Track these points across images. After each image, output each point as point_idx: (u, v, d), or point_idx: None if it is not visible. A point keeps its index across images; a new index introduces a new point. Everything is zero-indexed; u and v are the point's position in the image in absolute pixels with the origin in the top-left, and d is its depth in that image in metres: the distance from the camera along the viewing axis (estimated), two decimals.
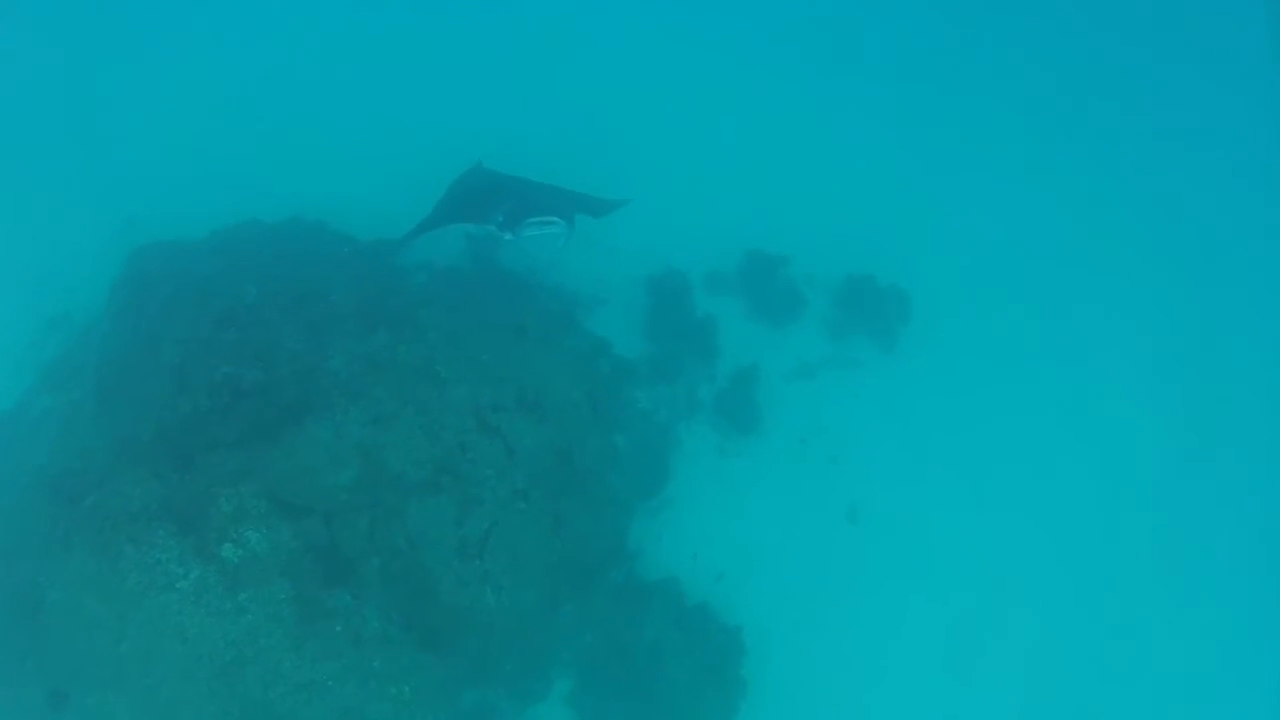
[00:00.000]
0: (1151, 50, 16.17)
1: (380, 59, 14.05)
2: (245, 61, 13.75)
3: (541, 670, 8.99)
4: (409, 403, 8.71)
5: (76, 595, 7.58)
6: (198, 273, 9.35)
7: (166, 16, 14.30)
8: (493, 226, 9.43)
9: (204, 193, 11.53)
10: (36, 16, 14.32)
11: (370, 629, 7.87)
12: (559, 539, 8.82)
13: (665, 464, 10.53)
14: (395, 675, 7.93)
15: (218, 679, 7.43)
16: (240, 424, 8.18)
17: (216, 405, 8.12)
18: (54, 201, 11.93)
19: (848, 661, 9.85)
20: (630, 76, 14.54)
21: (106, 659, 7.50)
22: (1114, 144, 15.12)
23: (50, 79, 13.42)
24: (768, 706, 9.27)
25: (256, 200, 10.84)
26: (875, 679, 9.82)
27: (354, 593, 7.93)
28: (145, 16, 14.25)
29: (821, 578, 10.23)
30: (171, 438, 8.07)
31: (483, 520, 8.42)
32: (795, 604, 10.00)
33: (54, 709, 7.58)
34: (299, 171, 11.92)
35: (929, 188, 14.01)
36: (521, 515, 8.62)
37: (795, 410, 11.38)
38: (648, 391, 10.94)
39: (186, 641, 7.41)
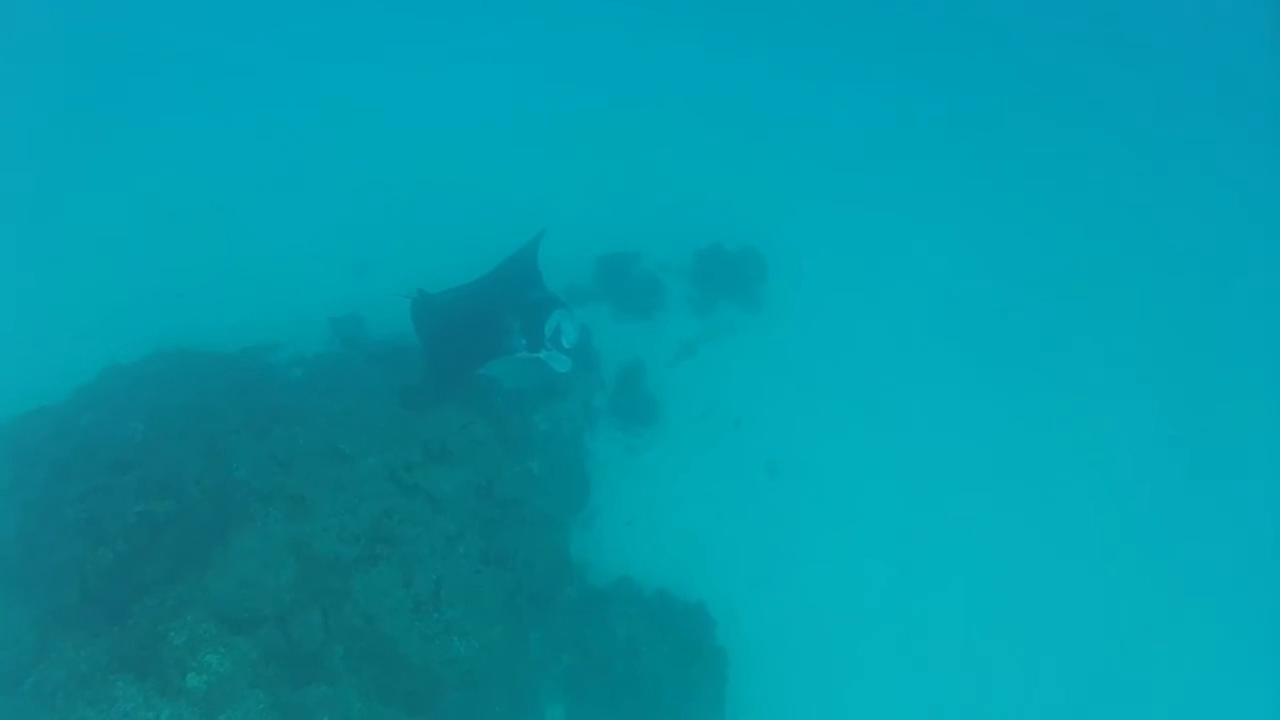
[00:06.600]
0: None
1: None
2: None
3: (531, 703, 9.08)
4: (324, 487, 8.77)
5: None
6: (76, 429, 9.18)
7: None
8: (521, 353, 9.87)
9: (47, 355, 11.13)
10: None
11: (355, 711, 7.88)
12: (507, 572, 8.98)
13: (584, 476, 10.78)
14: None
15: None
16: (167, 557, 8.11)
17: (137, 546, 8.02)
18: None
19: (810, 606, 10.27)
20: (448, 113, 14.92)
21: None
22: None
23: None
24: (752, 667, 9.58)
25: (112, 345, 10.62)
26: (839, 615, 10.26)
27: (329, 682, 7.95)
28: None
29: (761, 534, 10.67)
30: (100, 593, 7.93)
31: (429, 574, 8.51)
32: (745, 564, 10.41)
33: None
34: (145, 306, 11.75)
35: (747, 151, 14.71)
36: (464, 559, 8.77)
37: (688, 390, 11.83)
38: (545, 413, 11.13)
39: None
